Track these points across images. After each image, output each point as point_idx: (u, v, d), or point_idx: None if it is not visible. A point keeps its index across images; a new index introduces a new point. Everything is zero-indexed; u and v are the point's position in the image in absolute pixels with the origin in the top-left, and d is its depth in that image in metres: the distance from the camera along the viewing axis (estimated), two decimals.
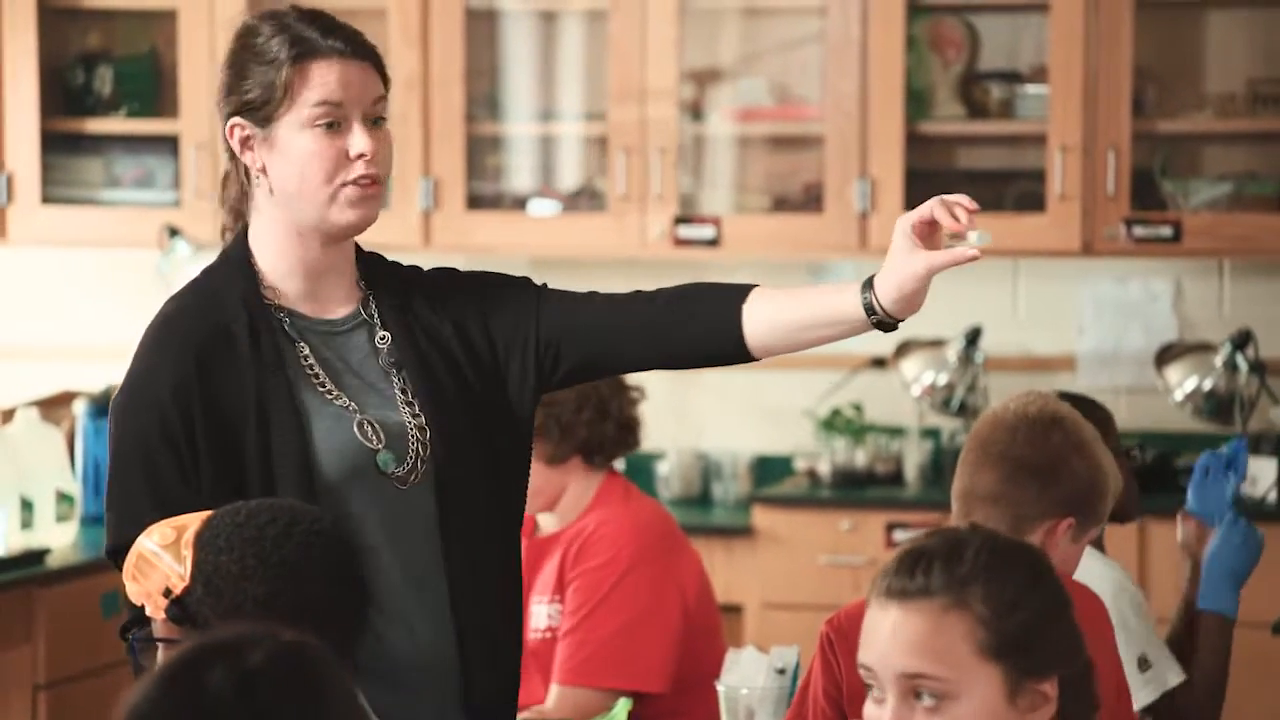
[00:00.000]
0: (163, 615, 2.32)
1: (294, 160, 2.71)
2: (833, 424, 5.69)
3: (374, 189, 2.73)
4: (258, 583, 2.27)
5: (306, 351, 2.75)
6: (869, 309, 2.67)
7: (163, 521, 2.39)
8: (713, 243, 5.57)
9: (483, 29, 5.72)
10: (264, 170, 2.74)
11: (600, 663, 3.72)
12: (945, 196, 2.63)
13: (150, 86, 5.88)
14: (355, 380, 2.76)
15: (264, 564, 2.27)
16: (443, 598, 2.72)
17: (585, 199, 5.73)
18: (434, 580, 2.72)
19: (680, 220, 5.57)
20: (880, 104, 5.45)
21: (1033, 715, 2.14)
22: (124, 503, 2.67)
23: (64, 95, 5.85)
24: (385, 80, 2.77)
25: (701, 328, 2.76)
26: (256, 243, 2.78)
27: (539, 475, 3.82)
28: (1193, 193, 5.42)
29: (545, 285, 2.87)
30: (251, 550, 2.27)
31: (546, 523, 3.93)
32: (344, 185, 2.71)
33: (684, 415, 5.69)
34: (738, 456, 5.79)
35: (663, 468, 5.71)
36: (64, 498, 4.99)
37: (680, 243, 5.57)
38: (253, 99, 2.72)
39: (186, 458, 2.66)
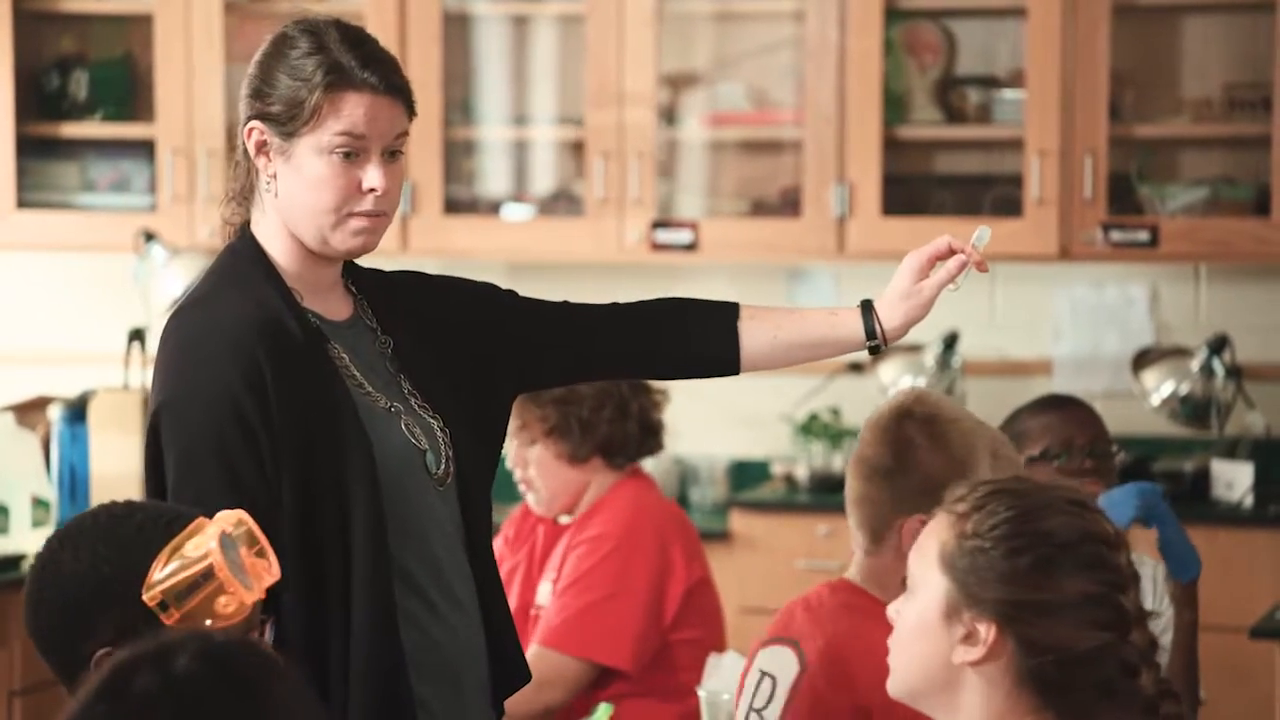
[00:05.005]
0: None
1: (306, 181, 2.70)
2: (810, 429, 5.69)
3: (379, 221, 2.73)
4: None
5: (340, 350, 2.74)
6: (870, 334, 2.82)
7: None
8: (690, 247, 5.56)
9: (456, 33, 5.72)
10: (274, 177, 2.72)
11: (573, 631, 3.81)
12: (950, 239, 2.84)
13: (126, 91, 5.86)
14: (378, 381, 2.76)
15: None
16: (472, 594, 2.78)
17: (562, 203, 5.72)
18: (464, 577, 2.78)
19: (658, 225, 5.57)
20: (857, 109, 5.45)
21: (963, 648, 2.19)
22: (199, 500, 2.51)
23: (39, 99, 5.84)
24: (411, 114, 2.76)
25: (700, 341, 2.88)
26: (268, 241, 2.75)
27: (559, 475, 3.89)
28: (1169, 197, 5.42)
29: (514, 292, 2.93)
30: None
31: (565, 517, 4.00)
32: (350, 215, 2.71)
33: None
34: (715, 461, 5.79)
35: None
36: (39, 503, 4.97)
37: (657, 247, 5.57)
38: (276, 112, 2.70)
39: (266, 449, 2.60)
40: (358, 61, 2.70)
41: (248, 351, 2.62)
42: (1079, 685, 2.18)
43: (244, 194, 2.77)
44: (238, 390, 2.60)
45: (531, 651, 3.75)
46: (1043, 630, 2.17)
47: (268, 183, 2.72)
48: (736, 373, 2.88)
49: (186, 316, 2.70)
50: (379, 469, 2.67)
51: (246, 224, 2.77)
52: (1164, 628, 3.54)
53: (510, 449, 3.94)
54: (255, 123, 2.71)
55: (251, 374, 2.61)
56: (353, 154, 2.69)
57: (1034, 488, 2.25)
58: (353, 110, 2.68)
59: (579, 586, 3.84)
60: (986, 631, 2.17)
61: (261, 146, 2.72)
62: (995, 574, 2.18)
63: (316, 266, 2.76)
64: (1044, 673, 2.17)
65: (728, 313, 2.88)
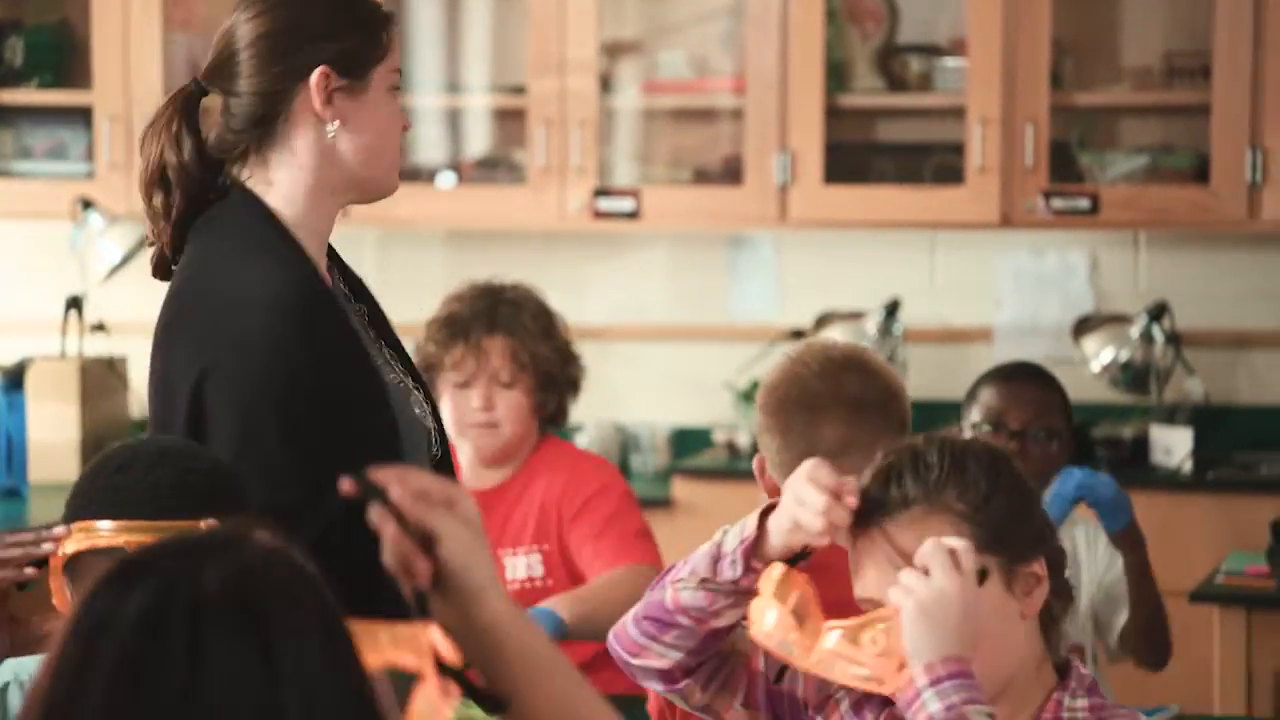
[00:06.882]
0: None
1: (381, 118, 2.62)
2: (752, 396, 5.68)
3: None
4: None
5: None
6: None
7: None
8: (632, 215, 5.55)
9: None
10: (343, 123, 2.60)
11: (641, 545, 3.83)
12: None
13: (62, 57, 5.81)
14: (377, 351, 2.71)
15: None
16: None
17: (502, 172, 5.70)
18: None
19: (599, 193, 5.55)
20: (799, 77, 5.45)
21: (1030, 598, 2.19)
22: (264, 459, 2.45)
23: None
24: None
25: None
26: (284, 202, 2.61)
27: (528, 422, 3.84)
28: (1109, 165, 5.44)
29: None
30: None
31: (473, 478, 3.86)
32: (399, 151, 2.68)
33: (602, 387, 5.67)
34: (656, 429, 5.79)
35: (581, 440, 5.70)
36: None
37: (599, 215, 5.56)
38: (353, 48, 2.59)
39: (319, 403, 2.52)
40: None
41: (296, 311, 2.52)
42: (1060, 589, 2.22)
43: (262, 154, 2.62)
44: (292, 347, 2.51)
45: (618, 571, 3.73)
46: (1056, 550, 2.23)
47: (330, 132, 2.59)
48: None
49: (217, 278, 2.56)
50: (402, 444, 2.60)
51: (243, 185, 2.62)
52: (1115, 577, 3.58)
53: (476, 389, 3.82)
54: (323, 68, 2.58)
55: (303, 331, 2.52)
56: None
57: (959, 439, 2.26)
58: (398, 46, 2.67)
59: (622, 518, 3.84)
60: (1040, 566, 2.19)
61: (329, 93, 2.59)
62: (1027, 513, 2.21)
63: (329, 225, 2.66)
64: (1055, 590, 2.21)
65: None
